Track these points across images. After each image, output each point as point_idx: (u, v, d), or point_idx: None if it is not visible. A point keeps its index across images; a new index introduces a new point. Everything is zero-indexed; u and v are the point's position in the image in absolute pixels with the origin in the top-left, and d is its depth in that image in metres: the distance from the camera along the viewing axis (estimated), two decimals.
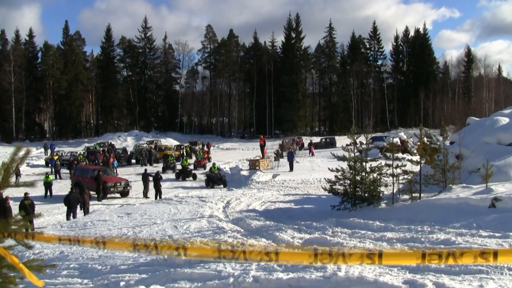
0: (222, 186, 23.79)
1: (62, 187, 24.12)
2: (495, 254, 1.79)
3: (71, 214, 15.92)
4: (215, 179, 24.03)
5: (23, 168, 30.41)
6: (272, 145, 45.88)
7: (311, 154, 38.55)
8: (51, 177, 23.50)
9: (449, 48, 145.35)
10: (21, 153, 2.90)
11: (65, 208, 16.39)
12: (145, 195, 21.21)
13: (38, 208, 18.27)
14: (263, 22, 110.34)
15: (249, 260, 2.25)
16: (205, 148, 42.85)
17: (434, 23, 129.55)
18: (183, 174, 27.08)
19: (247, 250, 2.20)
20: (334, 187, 13.06)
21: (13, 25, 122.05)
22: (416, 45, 70.83)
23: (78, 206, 16.89)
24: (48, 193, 22.08)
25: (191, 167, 29.94)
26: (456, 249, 1.88)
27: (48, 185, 22.12)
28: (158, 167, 31.49)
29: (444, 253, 1.85)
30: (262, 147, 35.12)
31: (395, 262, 2.09)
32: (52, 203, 19.58)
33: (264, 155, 33.30)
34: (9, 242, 2.99)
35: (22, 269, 2.75)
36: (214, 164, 28.21)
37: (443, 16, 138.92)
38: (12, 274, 2.90)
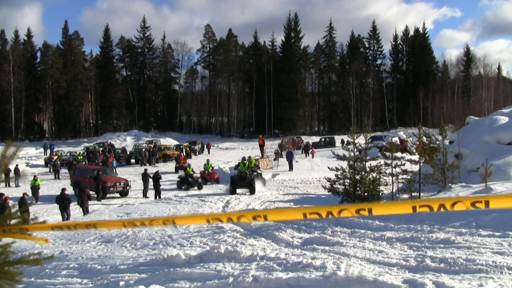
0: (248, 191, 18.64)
1: (61, 187, 24.03)
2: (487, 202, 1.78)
3: (65, 214, 15.83)
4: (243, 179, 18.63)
5: (22, 168, 30.39)
6: (272, 145, 45.92)
7: (311, 155, 36.49)
8: (39, 180, 21.34)
9: (450, 48, 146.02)
10: (11, 150, 2.88)
11: None
12: (145, 195, 21.22)
13: (38, 207, 18.33)
14: (265, 22, 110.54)
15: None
16: (182, 154, 34.97)
17: (435, 22, 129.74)
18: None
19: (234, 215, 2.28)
20: (334, 186, 13.07)
21: (14, 25, 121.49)
22: (416, 45, 70.89)
23: (78, 206, 16.93)
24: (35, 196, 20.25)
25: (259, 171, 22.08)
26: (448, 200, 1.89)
27: (35, 189, 20.22)
28: (158, 167, 31.51)
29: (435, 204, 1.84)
30: (262, 146, 35.17)
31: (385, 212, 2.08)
32: (52, 203, 19.56)
33: (263, 155, 33.32)
34: (6, 240, 2.99)
35: (25, 237, 2.78)
36: (249, 158, 21.21)
37: (444, 15, 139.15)
38: (13, 270, 2.89)
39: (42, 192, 21.76)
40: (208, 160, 26.78)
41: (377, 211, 1.98)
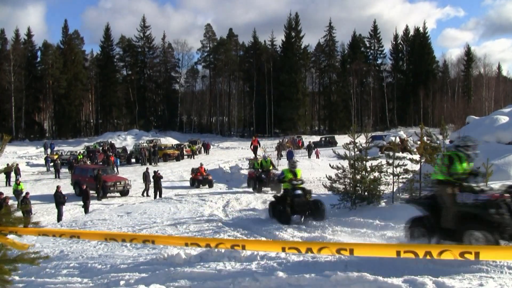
0: None
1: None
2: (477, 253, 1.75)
3: (59, 214, 15.96)
4: None
5: (22, 168, 30.40)
6: (272, 144, 45.89)
7: (315, 156, 34.79)
8: (22, 184, 20.04)
9: (452, 47, 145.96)
10: None
11: (65, 208, 16.49)
12: (146, 193, 21.27)
13: (39, 207, 18.36)
14: (269, 21, 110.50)
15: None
16: (202, 165, 24.78)
17: (438, 22, 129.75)
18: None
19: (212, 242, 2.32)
20: (334, 185, 13.03)
21: (17, 25, 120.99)
22: (416, 44, 70.89)
23: (81, 207, 17.05)
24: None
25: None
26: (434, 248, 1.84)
27: (17, 193, 18.38)
28: (159, 166, 31.53)
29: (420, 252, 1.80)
30: (256, 148, 34.92)
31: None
32: (52, 202, 19.58)
33: (256, 155, 33.14)
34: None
35: (9, 242, 2.80)
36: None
37: (447, 15, 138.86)
38: (7, 268, 2.91)
39: (42, 191, 21.77)
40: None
41: (359, 252, 1.94)
